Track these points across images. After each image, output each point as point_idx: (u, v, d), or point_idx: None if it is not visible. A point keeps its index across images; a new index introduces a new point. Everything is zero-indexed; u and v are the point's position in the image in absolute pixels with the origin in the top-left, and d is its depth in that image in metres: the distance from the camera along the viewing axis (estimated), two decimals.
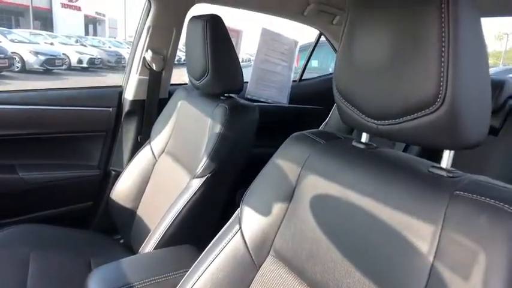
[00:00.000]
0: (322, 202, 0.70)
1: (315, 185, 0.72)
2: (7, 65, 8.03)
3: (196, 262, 0.84)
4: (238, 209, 0.86)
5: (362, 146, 0.72)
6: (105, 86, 1.65)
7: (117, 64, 11.41)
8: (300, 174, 0.77)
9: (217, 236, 0.85)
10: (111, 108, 1.60)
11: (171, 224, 1.08)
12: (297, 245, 0.73)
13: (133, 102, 1.60)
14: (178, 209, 1.08)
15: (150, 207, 1.38)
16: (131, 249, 1.38)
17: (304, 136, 0.81)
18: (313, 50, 2.09)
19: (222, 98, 1.25)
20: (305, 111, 2.08)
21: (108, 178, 1.61)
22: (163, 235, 1.07)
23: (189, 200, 1.07)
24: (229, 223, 0.86)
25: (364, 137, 0.72)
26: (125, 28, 22.11)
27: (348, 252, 0.64)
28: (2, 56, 7.95)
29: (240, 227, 0.82)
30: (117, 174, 1.55)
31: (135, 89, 1.59)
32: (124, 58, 11.57)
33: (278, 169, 0.82)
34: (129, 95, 1.61)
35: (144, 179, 1.43)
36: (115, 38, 19.08)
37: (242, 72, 1.22)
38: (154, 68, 1.55)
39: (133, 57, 1.57)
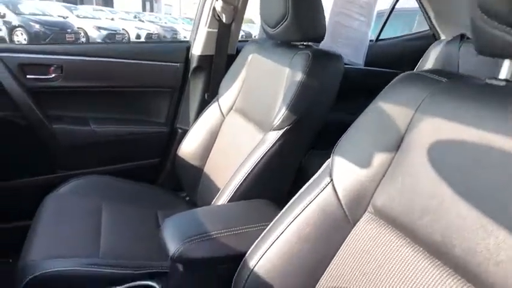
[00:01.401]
0: (447, 150, 0.57)
1: (436, 130, 0.60)
2: (73, 39, 8.47)
3: (279, 215, 0.76)
4: (328, 160, 0.76)
5: (501, 83, 0.57)
6: (172, 41, 1.60)
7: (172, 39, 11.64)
8: (412, 118, 0.65)
9: (303, 189, 0.76)
10: (178, 64, 1.55)
11: (244, 180, 1.00)
12: (406, 200, 0.62)
13: (201, 58, 1.54)
14: (252, 163, 1.00)
15: (218, 165, 1.32)
16: (197, 207, 1.34)
17: (418, 75, 0.68)
18: (393, 8, 1.89)
19: (300, 46, 1.13)
20: (383, 75, 1.90)
21: (175, 136, 1.58)
22: (235, 191, 1.00)
23: (265, 153, 0.99)
24: (317, 175, 0.76)
25: (505, 71, 0.58)
26: (179, 5, 22.44)
27: (485, 206, 0.51)
28: (69, 31, 8.43)
29: (332, 180, 0.72)
30: (184, 132, 1.51)
31: (203, 44, 1.52)
32: (179, 33, 11.78)
33: (381, 114, 0.70)
34: (196, 50, 1.54)
35: (211, 137, 1.38)
36: (170, 14, 19.45)
37: (325, 18, 1.09)
38: (224, 19, 1.46)
39: (203, 8, 1.49)
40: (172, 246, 0.76)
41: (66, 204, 1.20)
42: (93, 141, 1.46)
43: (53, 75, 1.36)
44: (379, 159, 0.68)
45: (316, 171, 0.78)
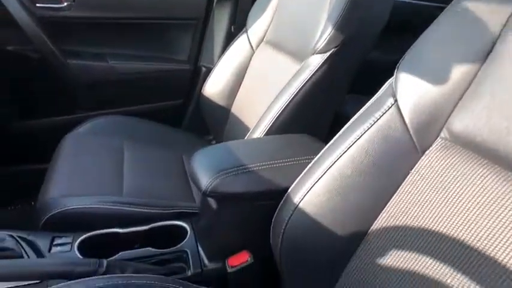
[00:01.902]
0: None
1: None
2: None
3: (329, 145, 0.64)
4: (391, 79, 0.63)
5: None
6: None
7: None
8: (508, 20, 0.51)
9: (357, 115, 0.64)
10: None
11: (280, 113, 0.88)
12: (496, 121, 0.49)
13: None
14: (290, 94, 0.88)
15: (247, 104, 1.20)
16: None
17: None
18: None
19: None
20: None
21: (199, 74, 1.46)
22: (269, 127, 0.88)
23: (306, 80, 0.86)
24: (376, 98, 0.63)
25: None
26: None
27: None
28: None
29: (396, 101, 0.59)
30: (208, 71, 1.38)
31: None
32: None
33: (463, 16, 0.56)
34: None
35: (239, 73, 1.25)
36: None
37: None
38: None
39: None
40: (205, 180, 0.67)
41: (86, 143, 1.13)
42: (112, 79, 1.36)
43: (65, 3, 1.24)
44: (459, 72, 0.55)
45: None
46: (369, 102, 0.64)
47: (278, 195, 0.67)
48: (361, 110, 0.64)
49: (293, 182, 0.66)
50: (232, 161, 0.71)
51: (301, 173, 0.66)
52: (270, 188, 0.68)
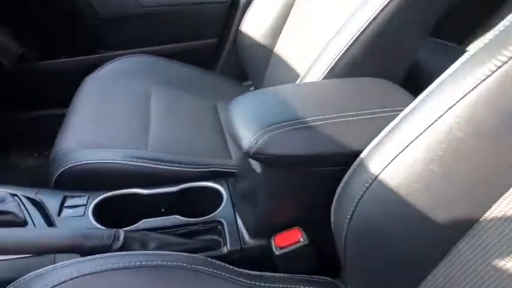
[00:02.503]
0: None
1: None
2: None
3: (425, 94, 0.45)
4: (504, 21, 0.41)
5: None
6: None
7: None
8: None
9: (461, 61, 0.43)
10: None
11: (344, 53, 0.67)
12: None
13: None
14: (358, 28, 0.66)
15: (296, 43, 0.99)
16: None
17: None
18: None
19: None
20: None
21: (236, 9, 1.24)
22: (331, 68, 0.68)
23: (381, 9, 0.64)
24: (501, 29, 0.42)
25: None
26: None
27: None
28: None
29: None
30: (248, 3, 1.16)
31: None
32: None
33: None
34: None
35: (285, 5, 1.03)
36: None
37: None
38: None
39: None
40: (248, 137, 0.50)
41: (109, 86, 0.98)
42: (137, 14, 1.17)
43: None
44: None
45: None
46: (490, 36, 0.43)
47: (346, 160, 0.49)
48: (463, 59, 0.43)
49: (368, 143, 0.48)
50: (283, 113, 0.53)
51: (381, 132, 0.47)
52: (335, 150, 0.51)
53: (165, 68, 1.14)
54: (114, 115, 0.87)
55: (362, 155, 0.48)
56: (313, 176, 0.53)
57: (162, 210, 0.68)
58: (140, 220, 0.62)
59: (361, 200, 0.47)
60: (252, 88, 1.21)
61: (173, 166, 0.73)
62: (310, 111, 0.53)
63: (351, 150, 0.50)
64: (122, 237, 0.54)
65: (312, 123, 0.51)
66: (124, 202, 0.68)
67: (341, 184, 0.50)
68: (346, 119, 0.53)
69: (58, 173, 0.70)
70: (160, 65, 1.13)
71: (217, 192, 0.69)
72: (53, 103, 1.17)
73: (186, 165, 0.73)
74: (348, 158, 0.50)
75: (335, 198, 0.51)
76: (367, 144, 0.48)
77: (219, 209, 0.64)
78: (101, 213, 0.64)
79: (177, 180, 0.71)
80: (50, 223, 0.59)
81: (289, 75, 0.90)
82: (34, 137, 1.24)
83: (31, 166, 1.24)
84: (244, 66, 1.18)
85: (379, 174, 0.45)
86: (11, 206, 0.57)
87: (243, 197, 0.63)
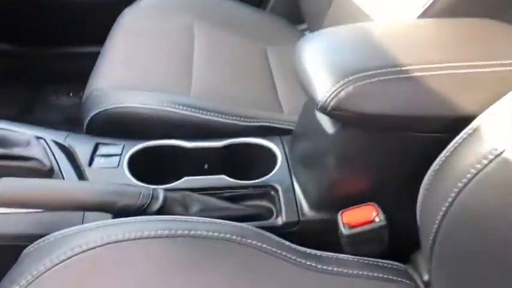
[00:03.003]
0: None
1: None
2: None
3: None
4: None
5: None
6: None
7: None
8: None
9: None
10: None
11: None
12: None
13: None
14: None
15: None
16: None
17: None
18: None
19: None
20: None
21: None
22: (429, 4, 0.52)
23: None
24: None
25: None
26: None
27: None
28: None
29: None
30: None
31: None
32: None
33: None
34: None
35: None
36: None
37: None
38: None
39: None
40: (325, 87, 0.38)
41: (148, 20, 0.87)
42: None
43: None
44: None
45: None
46: None
47: (451, 124, 0.37)
48: None
49: (488, 105, 0.35)
50: (373, 58, 0.40)
51: (504, 90, 0.34)
52: (443, 112, 0.38)
53: (211, 3, 1.01)
54: (153, 53, 0.76)
55: (478, 121, 0.35)
56: (405, 142, 0.41)
57: (206, 167, 0.59)
58: (181, 177, 0.53)
59: (471, 180, 0.34)
60: (307, 32, 1.06)
61: (218, 117, 0.62)
62: (409, 57, 0.40)
63: (464, 113, 0.37)
64: (161, 197, 0.45)
65: (412, 74, 0.38)
66: (162, 155, 0.59)
67: (441, 157, 0.38)
68: (458, 71, 0.39)
69: (91, 116, 0.62)
70: (206, 0, 0.99)
71: (269, 151, 0.58)
72: (90, 39, 1.08)
73: (233, 117, 0.63)
74: (455, 121, 0.37)
75: (430, 174, 0.39)
76: (486, 107, 0.35)
77: (273, 171, 0.54)
78: (137, 166, 0.55)
79: (221, 133, 0.61)
80: (79, 174, 0.52)
81: (363, 16, 0.74)
82: (70, 75, 1.17)
83: (65, 106, 1.18)
84: (300, 4, 1.02)
85: (504, 151, 0.32)
86: (36, 151, 0.49)
87: (304, 160, 0.52)
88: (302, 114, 0.54)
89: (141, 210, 0.44)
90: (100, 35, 0.90)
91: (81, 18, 1.08)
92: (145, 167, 0.57)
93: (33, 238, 0.42)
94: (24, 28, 1.12)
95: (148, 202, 0.44)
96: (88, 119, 0.62)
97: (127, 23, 0.87)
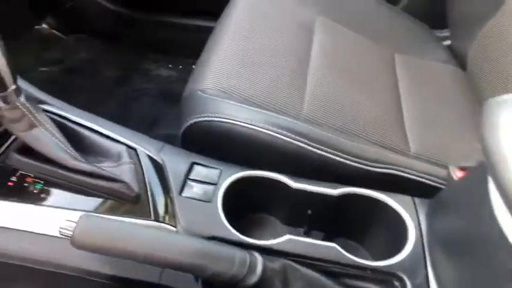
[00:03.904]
0: None
1: None
2: None
3: None
4: None
5: None
6: None
7: None
8: None
9: None
10: None
11: None
12: None
13: None
14: None
15: None
16: None
17: None
18: None
19: None
20: None
21: None
22: None
23: None
24: None
25: None
26: None
27: None
28: None
29: None
30: None
31: None
32: None
33: None
34: None
35: None
36: None
37: None
38: None
39: None
40: None
41: (265, 8, 0.75)
42: None
43: None
44: None
45: None
46: None
47: None
48: None
49: None
50: None
51: None
52: None
53: None
54: (266, 51, 0.65)
55: None
56: None
57: (309, 212, 0.49)
58: (273, 212, 0.43)
59: None
60: (447, 42, 0.86)
61: (335, 155, 0.50)
62: None
63: None
64: (259, 268, 0.36)
65: None
66: (260, 185, 0.49)
67: None
68: None
69: (190, 122, 0.54)
70: None
71: (396, 215, 0.45)
72: (201, 12, 1.01)
73: (353, 158, 0.51)
74: None
75: None
76: None
77: (401, 253, 0.41)
78: (228, 193, 0.47)
79: (335, 175, 0.49)
80: (167, 202, 0.44)
81: None
82: (173, 46, 1.13)
83: (161, 76, 1.14)
84: (446, 5, 0.83)
85: None
86: (125, 171, 0.43)
87: (455, 249, 0.38)
88: (465, 183, 0.39)
89: (234, 282, 0.35)
90: (212, 9, 0.81)
91: None
92: (236, 194, 0.48)
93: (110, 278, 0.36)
94: None
95: (244, 273, 0.35)
96: (187, 124, 0.54)
97: (242, 5, 0.76)
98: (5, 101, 0.39)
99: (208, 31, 0.75)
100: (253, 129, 0.51)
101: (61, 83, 1.09)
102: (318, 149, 0.50)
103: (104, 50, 1.17)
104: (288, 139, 0.50)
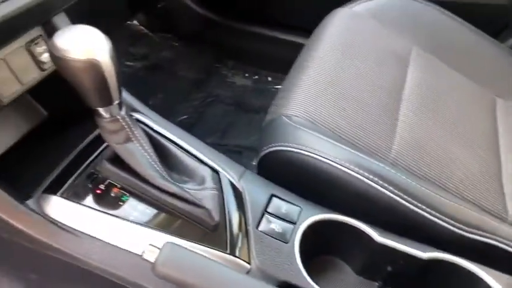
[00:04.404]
0: None
1: None
2: None
3: None
4: None
5: None
6: None
7: None
8: None
9: None
10: None
11: None
12: None
13: None
14: None
15: None
16: None
17: None
18: None
19: None
20: None
21: None
22: None
23: None
24: None
25: None
26: None
27: None
28: None
29: None
30: None
31: None
32: None
33: None
34: None
35: None
36: None
37: None
38: None
39: None
40: None
41: (360, 32, 0.72)
42: None
43: None
44: None
45: None
46: None
47: None
48: None
49: None
50: None
51: None
52: None
53: (437, 22, 0.80)
54: (357, 81, 0.62)
55: None
56: None
57: (388, 269, 0.45)
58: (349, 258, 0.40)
59: None
60: None
61: (425, 212, 0.46)
62: None
63: None
64: None
65: None
66: (339, 230, 0.46)
67: None
68: None
69: (271, 149, 0.52)
70: (434, 18, 0.79)
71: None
72: (289, 27, 1.00)
73: (447, 219, 0.46)
74: None
75: None
76: None
77: None
78: (308, 241, 0.44)
79: (423, 235, 0.45)
80: (243, 235, 0.43)
81: None
82: (253, 55, 1.13)
83: (236, 85, 1.14)
84: None
85: None
86: (209, 197, 0.42)
87: None
88: None
89: None
90: (301, 26, 0.79)
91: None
92: (314, 235, 0.46)
93: None
94: None
95: None
96: (268, 150, 0.52)
97: (336, 27, 0.73)
98: (108, 113, 0.40)
99: (290, 46, 0.73)
100: (340, 169, 0.48)
101: (142, 79, 1.14)
102: (412, 204, 0.46)
103: (186, 51, 1.21)
104: (381, 188, 0.47)
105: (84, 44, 0.35)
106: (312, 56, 0.67)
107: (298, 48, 0.72)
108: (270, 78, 1.12)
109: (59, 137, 0.53)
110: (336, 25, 0.74)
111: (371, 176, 0.48)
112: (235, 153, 0.94)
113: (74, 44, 0.35)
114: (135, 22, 1.23)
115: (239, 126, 1.01)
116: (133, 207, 0.43)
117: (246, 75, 1.15)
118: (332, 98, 0.58)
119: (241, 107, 1.06)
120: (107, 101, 0.39)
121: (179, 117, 1.03)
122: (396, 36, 0.73)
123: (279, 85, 1.08)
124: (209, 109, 1.07)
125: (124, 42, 1.18)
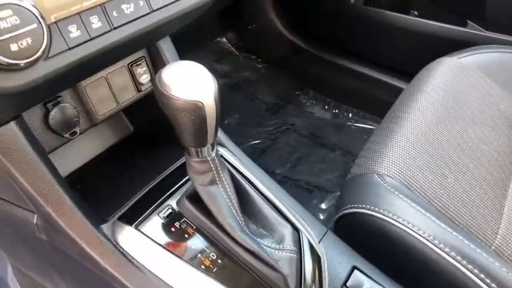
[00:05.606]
0: None
1: None
2: None
3: None
4: None
5: None
6: None
7: None
8: None
9: None
10: None
11: None
12: None
13: None
14: None
15: None
16: None
17: None
18: None
19: None
20: None
21: None
22: None
23: None
24: None
25: None
26: None
27: None
28: None
29: None
30: None
31: None
32: None
33: None
34: None
35: None
36: None
37: None
38: None
39: None
40: None
41: (460, 88, 0.64)
42: None
43: None
44: None
45: None
46: None
47: None
48: None
49: None
50: None
51: None
52: None
53: None
54: (461, 145, 0.55)
55: None
56: None
57: None
58: None
59: None
60: None
61: None
62: None
63: None
64: None
65: None
66: None
67: None
68: None
69: (356, 210, 0.47)
70: None
71: None
72: (384, 67, 0.94)
73: None
74: None
75: None
76: None
77: None
78: None
79: None
80: None
81: None
82: (334, 88, 1.09)
83: (312, 114, 1.10)
84: None
85: None
86: (287, 260, 0.38)
87: None
88: None
89: None
90: (397, 67, 0.73)
91: (393, 41, 0.94)
92: None
93: None
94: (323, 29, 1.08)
95: None
96: (351, 211, 0.47)
97: (441, 78, 0.66)
98: (199, 153, 0.38)
99: (381, 86, 0.67)
100: (435, 250, 0.42)
101: (221, 97, 1.14)
102: None
103: (268, 75, 1.20)
104: (481, 283, 0.40)
105: (191, 84, 0.34)
106: (411, 107, 0.61)
107: (389, 90, 0.66)
108: (350, 115, 1.06)
109: (142, 158, 0.53)
110: (441, 75, 0.67)
111: (470, 266, 0.41)
112: (305, 190, 0.89)
113: (180, 82, 0.33)
114: (223, 40, 1.25)
115: (312, 161, 0.96)
116: (205, 254, 0.40)
117: (326, 107, 1.10)
118: (432, 161, 0.52)
119: (317, 140, 1.02)
120: (201, 143, 0.37)
121: (251, 140, 1.01)
122: (505, 93, 0.65)
123: (359, 123, 1.02)
124: (283, 137, 1.04)
125: (210, 57, 1.20)
